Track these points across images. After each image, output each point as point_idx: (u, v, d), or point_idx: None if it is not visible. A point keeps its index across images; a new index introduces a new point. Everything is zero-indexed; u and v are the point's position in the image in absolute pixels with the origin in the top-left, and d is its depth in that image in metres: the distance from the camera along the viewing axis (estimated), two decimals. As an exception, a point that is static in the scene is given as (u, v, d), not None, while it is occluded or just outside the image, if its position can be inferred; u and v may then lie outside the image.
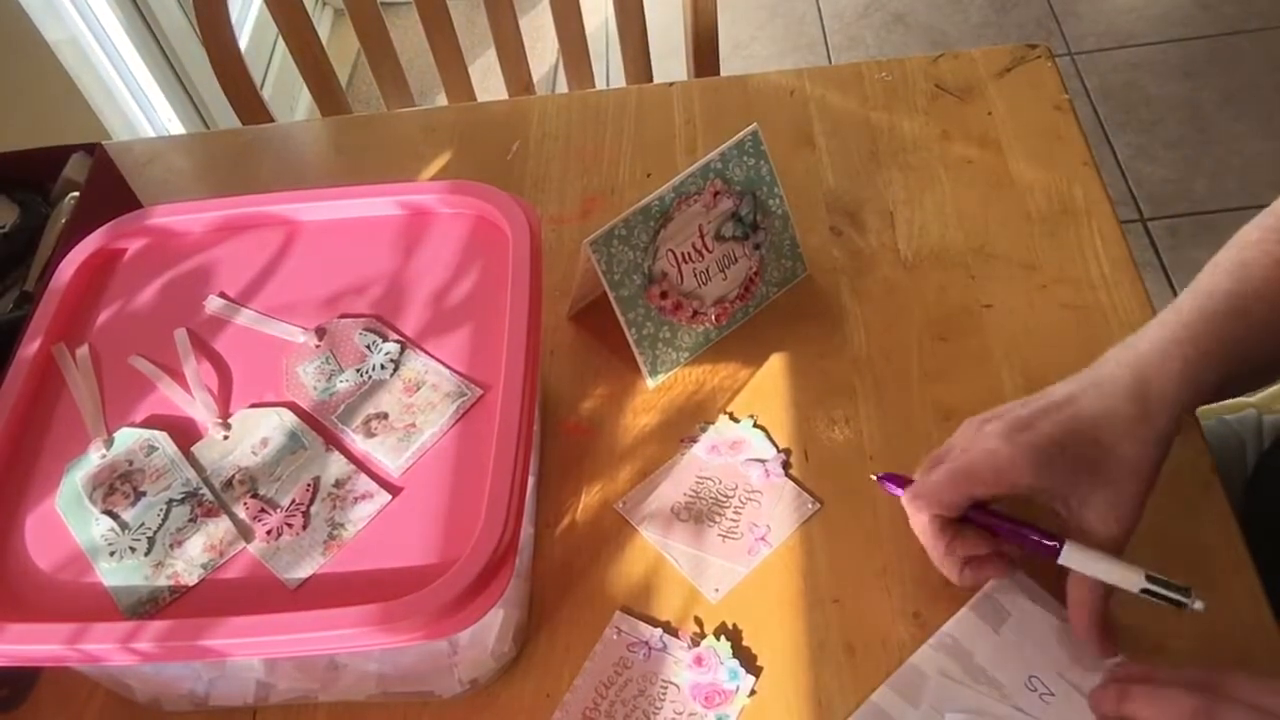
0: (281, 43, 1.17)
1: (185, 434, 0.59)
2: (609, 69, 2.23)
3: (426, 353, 0.61)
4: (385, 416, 0.59)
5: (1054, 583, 0.59)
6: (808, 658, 0.60)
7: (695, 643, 0.61)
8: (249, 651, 0.51)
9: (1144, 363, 0.57)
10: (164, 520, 0.56)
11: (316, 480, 0.57)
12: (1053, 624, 0.59)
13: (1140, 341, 0.58)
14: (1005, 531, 0.58)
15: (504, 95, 1.21)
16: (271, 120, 1.14)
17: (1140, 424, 0.55)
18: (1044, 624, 0.59)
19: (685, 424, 0.71)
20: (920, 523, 0.59)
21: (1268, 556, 0.61)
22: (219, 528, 0.55)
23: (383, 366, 0.61)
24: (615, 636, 0.61)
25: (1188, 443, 0.65)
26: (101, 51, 1.68)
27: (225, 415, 0.60)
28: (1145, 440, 0.55)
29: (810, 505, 0.66)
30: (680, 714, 0.58)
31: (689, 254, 0.71)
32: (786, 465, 0.68)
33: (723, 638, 0.61)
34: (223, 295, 0.66)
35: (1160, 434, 0.55)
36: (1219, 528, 0.62)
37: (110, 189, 0.84)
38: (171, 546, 0.55)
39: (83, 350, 0.63)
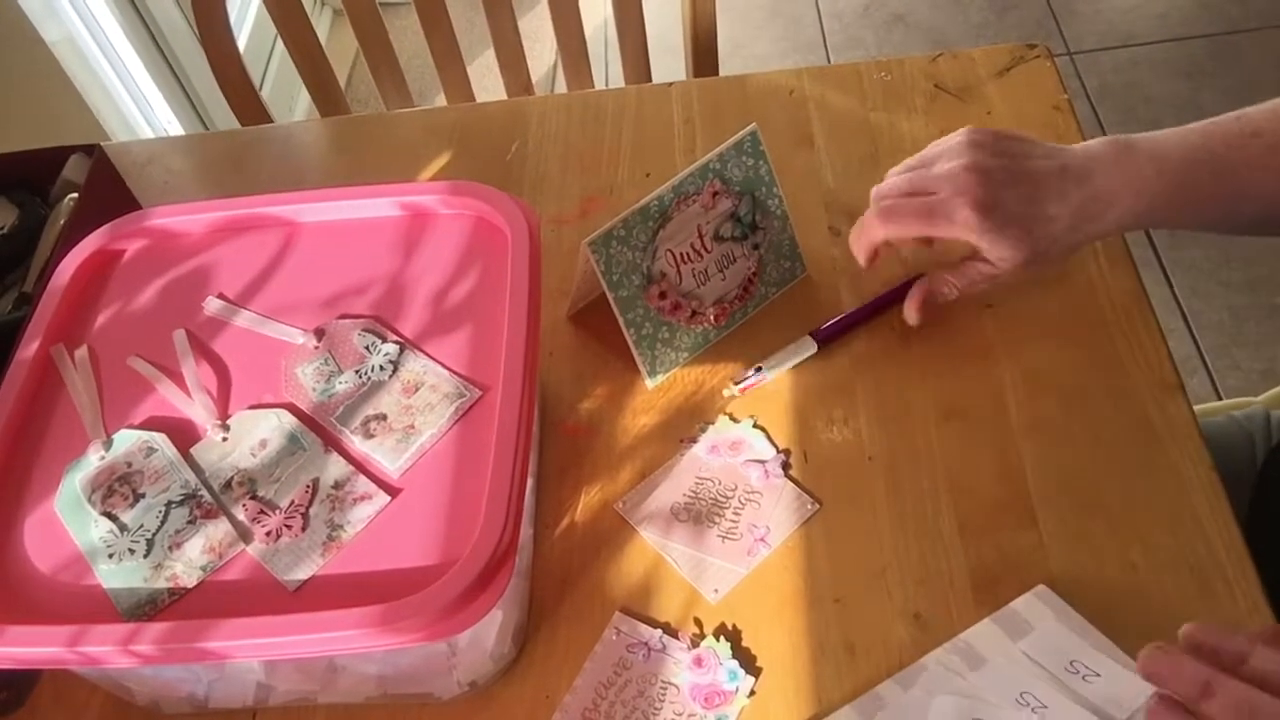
0: (280, 43, 1.17)
1: (184, 435, 0.59)
2: (608, 69, 2.23)
3: (425, 354, 0.61)
4: (384, 418, 0.59)
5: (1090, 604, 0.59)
6: (808, 658, 0.60)
7: (695, 643, 0.61)
8: (248, 653, 0.51)
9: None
10: (163, 522, 0.56)
11: (316, 482, 0.57)
12: (1074, 643, 0.58)
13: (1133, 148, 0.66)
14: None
15: (503, 96, 1.21)
16: (270, 121, 1.14)
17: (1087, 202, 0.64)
18: (1065, 642, 0.58)
19: (684, 424, 0.70)
20: (873, 232, 0.68)
21: (1271, 555, 0.61)
22: (218, 529, 0.55)
23: (382, 368, 0.61)
24: (615, 637, 0.61)
25: (1188, 441, 0.65)
26: (100, 52, 1.68)
27: (224, 417, 0.60)
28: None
29: (810, 506, 0.66)
30: (680, 715, 0.58)
31: (688, 254, 0.71)
32: (786, 466, 0.68)
33: (722, 638, 0.61)
34: (221, 296, 0.65)
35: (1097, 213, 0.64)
36: (1219, 528, 0.62)
37: (109, 190, 0.84)
38: (171, 548, 0.55)
39: (81, 351, 0.63)
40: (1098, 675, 0.56)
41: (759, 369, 0.71)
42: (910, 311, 0.70)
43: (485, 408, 0.58)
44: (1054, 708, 0.56)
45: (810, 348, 0.72)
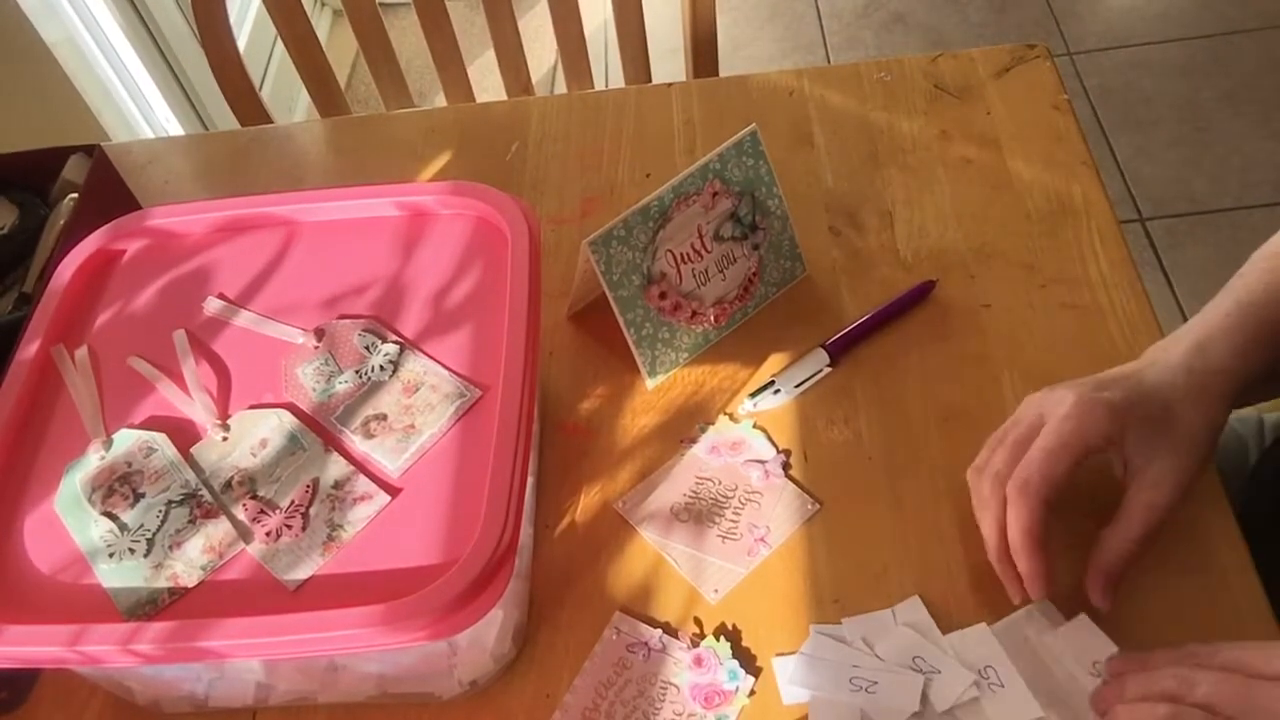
0: (280, 44, 1.17)
1: (184, 435, 0.59)
2: (608, 69, 2.23)
3: (426, 354, 0.61)
4: (384, 417, 0.59)
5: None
6: (807, 658, 0.60)
7: (695, 643, 0.61)
8: (248, 653, 0.51)
9: (1196, 341, 0.60)
10: (163, 522, 0.56)
11: (316, 481, 0.57)
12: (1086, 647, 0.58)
13: (1189, 330, 0.61)
14: None
15: (503, 96, 1.21)
16: (270, 121, 1.14)
17: (1198, 394, 0.58)
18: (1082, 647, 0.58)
19: (685, 424, 0.70)
20: (1026, 517, 0.56)
21: (1268, 555, 0.61)
22: (218, 529, 0.55)
23: (382, 368, 0.61)
24: (615, 637, 0.61)
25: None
26: (100, 52, 1.68)
27: (224, 417, 0.60)
28: (1203, 410, 0.58)
29: (810, 506, 0.66)
30: (680, 715, 0.58)
31: (688, 254, 0.71)
32: (786, 466, 0.68)
33: (722, 638, 0.61)
34: (222, 296, 0.65)
35: (1215, 405, 0.58)
36: (1219, 527, 0.62)
37: (109, 190, 0.84)
38: (171, 548, 0.55)
39: (81, 351, 0.63)
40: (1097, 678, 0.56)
41: (776, 389, 0.70)
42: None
43: (485, 408, 0.58)
44: (1011, 689, 0.57)
45: (823, 360, 0.71)
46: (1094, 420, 0.56)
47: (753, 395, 0.70)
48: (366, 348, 0.62)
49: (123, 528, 0.55)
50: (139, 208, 0.83)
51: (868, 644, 0.59)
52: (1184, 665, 0.51)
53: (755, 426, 0.70)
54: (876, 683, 0.57)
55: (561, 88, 1.25)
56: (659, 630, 0.61)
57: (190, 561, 0.54)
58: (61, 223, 0.79)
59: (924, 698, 0.57)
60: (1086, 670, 0.56)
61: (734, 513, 0.66)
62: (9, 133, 1.30)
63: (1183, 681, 0.50)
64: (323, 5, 2.40)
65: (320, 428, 0.59)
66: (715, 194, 0.70)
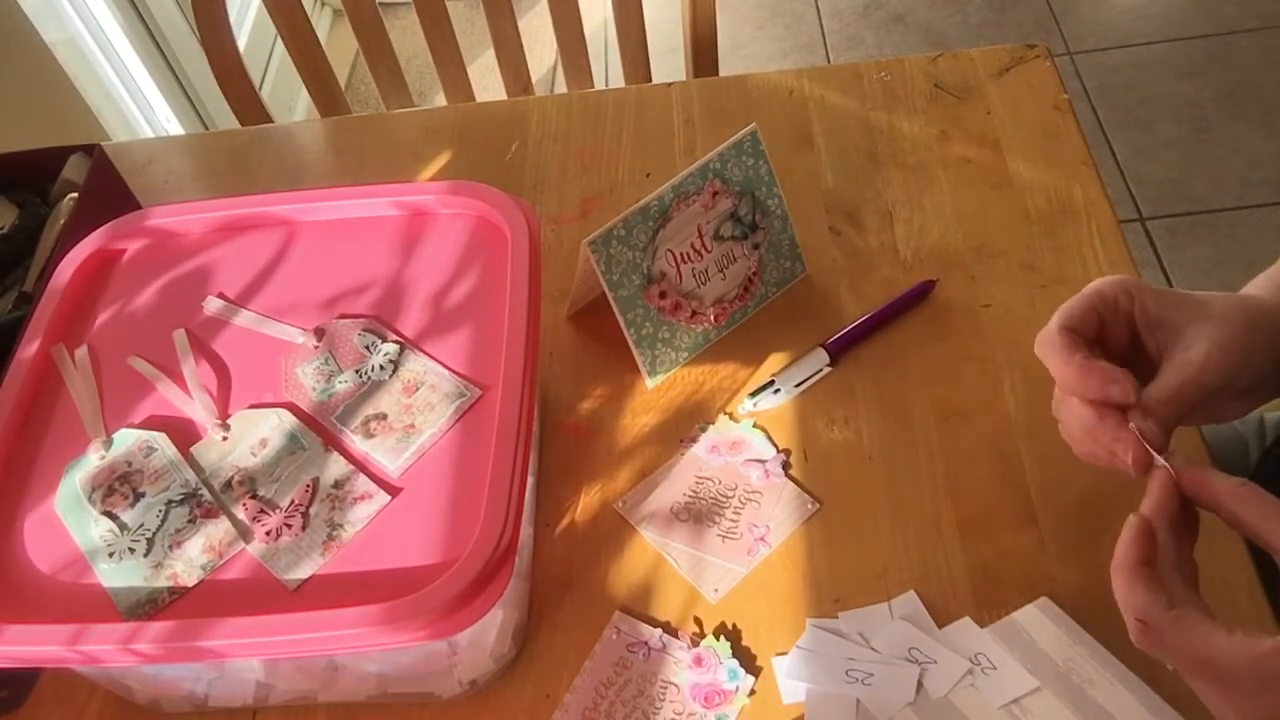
0: (280, 43, 1.17)
1: (184, 435, 0.59)
2: (608, 69, 2.23)
3: (426, 353, 0.61)
4: (384, 417, 0.59)
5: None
6: (807, 658, 0.60)
7: (695, 643, 0.61)
8: (248, 652, 0.51)
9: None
10: (163, 521, 0.56)
11: (316, 481, 0.57)
12: (1074, 650, 0.58)
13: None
14: None
15: (503, 95, 1.21)
16: (270, 121, 1.14)
17: (1240, 305, 0.56)
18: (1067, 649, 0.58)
19: (684, 424, 0.70)
20: (1047, 341, 0.54)
21: (1268, 555, 0.61)
22: (218, 528, 0.55)
23: (382, 367, 0.61)
24: (615, 637, 0.61)
25: (1186, 440, 0.65)
26: (100, 52, 1.68)
27: (224, 416, 0.60)
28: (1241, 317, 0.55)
29: (810, 505, 0.66)
30: (680, 714, 0.58)
31: (688, 254, 0.71)
32: (786, 465, 0.68)
33: (722, 638, 0.61)
34: (222, 296, 0.65)
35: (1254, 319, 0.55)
36: (1219, 526, 0.62)
37: (109, 190, 0.84)
38: (171, 547, 0.55)
39: (81, 351, 0.63)
40: (1092, 683, 0.56)
41: (776, 388, 0.70)
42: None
43: (485, 407, 0.58)
44: (1004, 670, 0.57)
45: (823, 360, 0.71)
46: (1139, 292, 0.54)
47: (753, 395, 0.70)
48: (366, 347, 0.62)
49: (123, 527, 0.55)
50: (139, 207, 0.84)
51: (864, 637, 0.59)
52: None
53: (755, 426, 0.70)
54: (873, 674, 0.57)
55: (561, 87, 1.25)
56: (659, 630, 0.61)
57: (190, 561, 0.54)
58: (61, 222, 0.79)
59: (919, 687, 0.57)
60: (1059, 662, 0.57)
61: (734, 512, 0.66)
62: (9, 133, 1.30)
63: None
64: (323, 5, 2.40)
65: (320, 427, 0.59)
66: (715, 193, 0.70)
